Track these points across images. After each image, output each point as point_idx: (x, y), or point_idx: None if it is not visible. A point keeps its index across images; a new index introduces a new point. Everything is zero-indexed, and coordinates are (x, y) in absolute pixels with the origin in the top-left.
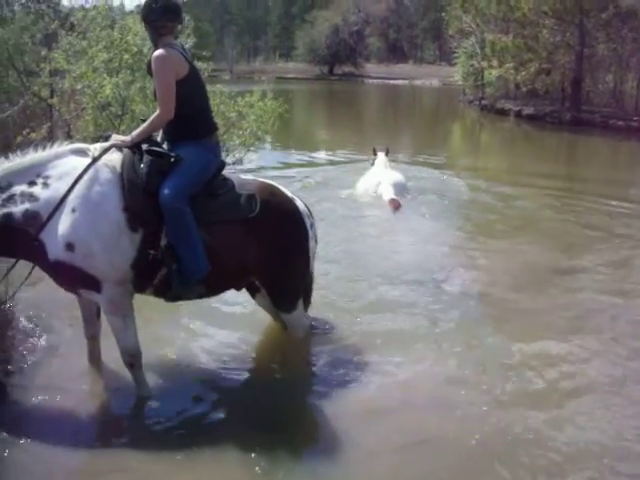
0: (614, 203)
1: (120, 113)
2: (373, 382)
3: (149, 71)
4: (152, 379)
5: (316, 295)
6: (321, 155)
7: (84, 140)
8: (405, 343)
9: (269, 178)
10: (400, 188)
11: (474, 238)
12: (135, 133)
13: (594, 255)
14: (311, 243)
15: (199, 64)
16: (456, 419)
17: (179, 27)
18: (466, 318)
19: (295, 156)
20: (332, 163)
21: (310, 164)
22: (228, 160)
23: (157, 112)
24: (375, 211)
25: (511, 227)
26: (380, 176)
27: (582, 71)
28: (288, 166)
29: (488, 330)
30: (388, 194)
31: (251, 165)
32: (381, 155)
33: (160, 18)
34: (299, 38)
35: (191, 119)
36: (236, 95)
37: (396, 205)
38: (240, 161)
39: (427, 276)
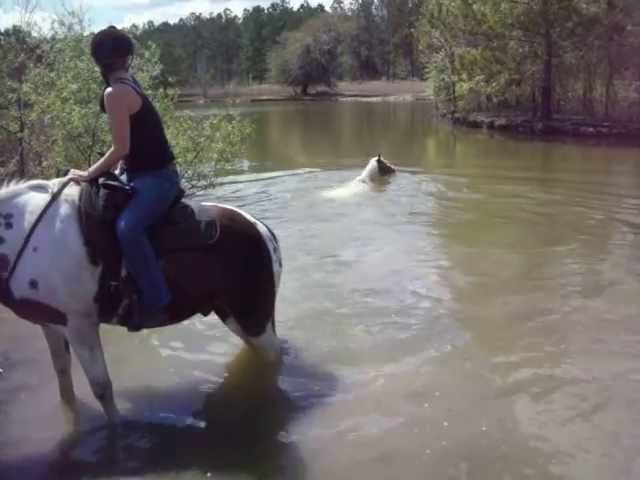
0: (587, 206)
1: (91, 143)
2: (338, 398)
3: (102, 108)
4: (123, 405)
5: (287, 308)
6: (299, 171)
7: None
8: (371, 357)
9: (246, 197)
10: (371, 173)
11: (449, 245)
12: (92, 168)
13: (567, 260)
14: (275, 266)
15: (167, 91)
16: (416, 434)
17: (130, 61)
18: (434, 330)
19: (271, 173)
20: (306, 179)
21: (287, 181)
22: (200, 184)
23: (113, 147)
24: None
25: (486, 232)
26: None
27: (551, 80)
28: (266, 185)
29: (454, 342)
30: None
31: (228, 188)
32: (372, 160)
33: (109, 55)
34: (271, 60)
35: (147, 150)
36: (205, 119)
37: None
38: (212, 185)
39: (397, 286)
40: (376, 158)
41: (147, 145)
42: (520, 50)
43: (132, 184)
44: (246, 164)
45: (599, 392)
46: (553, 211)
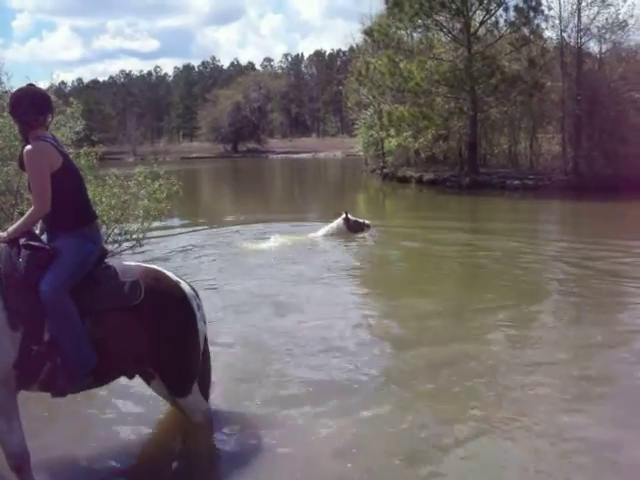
0: (519, 254)
1: (14, 202)
2: (274, 455)
3: (21, 166)
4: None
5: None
6: (228, 227)
7: None
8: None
9: (171, 254)
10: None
11: (380, 295)
12: (12, 228)
13: (498, 308)
14: (199, 325)
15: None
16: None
17: (50, 118)
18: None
19: (199, 229)
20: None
21: (215, 236)
22: (126, 243)
23: (33, 206)
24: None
25: (418, 280)
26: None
27: (477, 135)
28: (193, 241)
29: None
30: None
31: (156, 247)
32: (339, 219)
33: (28, 113)
34: (202, 117)
35: (68, 210)
36: (132, 177)
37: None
38: (139, 243)
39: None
40: (343, 216)
41: (68, 204)
42: (446, 106)
43: (54, 244)
44: (175, 222)
45: (531, 437)
46: (489, 261)
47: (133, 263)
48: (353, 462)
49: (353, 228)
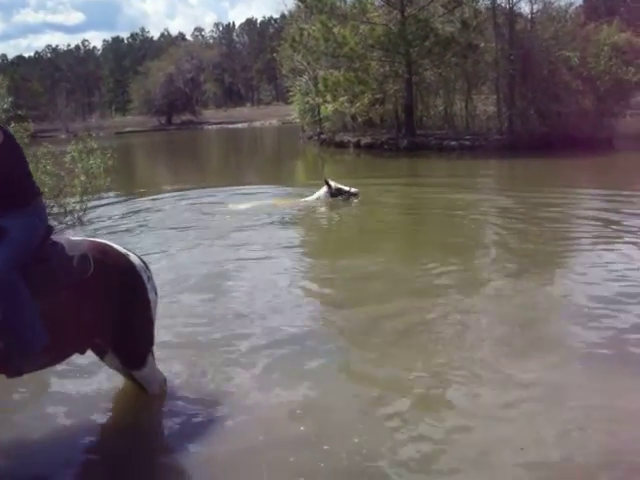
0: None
1: None
2: (233, 421)
3: None
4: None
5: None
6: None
7: None
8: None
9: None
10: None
11: (320, 257)
12: None
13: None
14: (151, 295)
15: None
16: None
17: None
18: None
19: (139, 200)
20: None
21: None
22: (67, 220)
23: None
24: None
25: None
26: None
27: (413, 98)
28: (134, 212)
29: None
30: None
31: (98, 222)
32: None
33: None
34: (133, 91)
35: (12, 187)
36: (66, 154)
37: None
38: (80, 221)
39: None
40: (325, 187)
41: (13, 182)
42: (381, 70)
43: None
44: (112, 195)
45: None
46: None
47: (79, 238)
48: (311, 421)
49: (334, 193)
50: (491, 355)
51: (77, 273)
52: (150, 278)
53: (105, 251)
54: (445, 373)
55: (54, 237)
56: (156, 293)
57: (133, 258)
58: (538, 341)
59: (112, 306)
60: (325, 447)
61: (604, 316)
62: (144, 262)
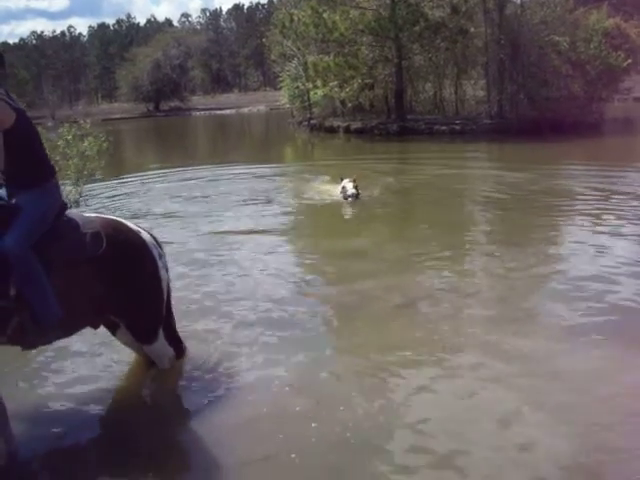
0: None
1: None
2: (239, 397)
3: None
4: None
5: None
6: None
7: None
8: (264, 356)
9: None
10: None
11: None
12: None
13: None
14: (162, 272)
15: None
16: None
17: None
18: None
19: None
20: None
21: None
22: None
23: None
24: None
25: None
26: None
27: (403, 82)
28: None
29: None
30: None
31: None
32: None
33: None
34: (120, 77)
35: (28, 166)
36: (57, 139)
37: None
38: (77, 203)
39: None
40: (352, 181)
41: (27, 160)
42: (371, 55)
43: (15, 200)
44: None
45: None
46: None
47: (93, 215)
48: (304, 397)
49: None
50: (482, 330)
51: (90, 250)
52: (162, 255)
53: (118, 228)
54: (435, 345)
55: (68, 213)
56: (167, 270)
57: (144, 235)
58: (527, 317)
59: (123, 282)
60: (314, 424)
61: (593, 291)
62: (156, 239)
